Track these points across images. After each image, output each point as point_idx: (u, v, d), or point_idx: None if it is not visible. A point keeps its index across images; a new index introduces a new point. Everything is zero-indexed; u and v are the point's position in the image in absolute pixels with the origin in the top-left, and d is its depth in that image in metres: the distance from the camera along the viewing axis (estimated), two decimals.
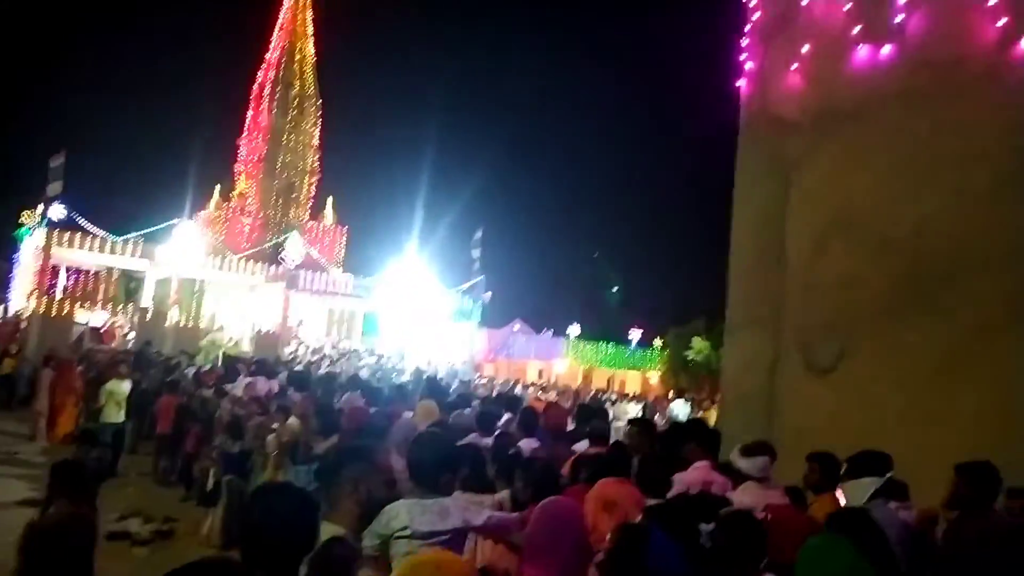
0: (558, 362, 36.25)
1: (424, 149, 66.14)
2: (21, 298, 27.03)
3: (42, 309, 21.84)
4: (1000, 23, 5.89)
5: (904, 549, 3.58)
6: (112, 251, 25.84)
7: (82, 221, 25.21)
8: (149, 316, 23.39)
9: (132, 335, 22.53)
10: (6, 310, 26.98)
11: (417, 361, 23.27)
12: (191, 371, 14.17)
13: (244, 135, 34.72)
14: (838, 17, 6.81)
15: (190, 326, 23.42)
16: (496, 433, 5.87)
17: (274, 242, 30.76)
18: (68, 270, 28.72)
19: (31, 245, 26.89)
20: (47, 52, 56.21)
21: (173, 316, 23.79)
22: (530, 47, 72.18)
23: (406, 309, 28.86)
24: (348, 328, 30.94)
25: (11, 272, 29.92)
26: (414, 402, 7.57)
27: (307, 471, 5.81)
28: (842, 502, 4.09)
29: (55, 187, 24.28)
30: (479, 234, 31.07)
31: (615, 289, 48.43)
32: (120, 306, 26.38)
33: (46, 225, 24.66)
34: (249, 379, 10.86)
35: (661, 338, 39.95)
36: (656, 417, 17.61)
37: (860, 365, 6.19)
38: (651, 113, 65.18)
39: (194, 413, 10.83)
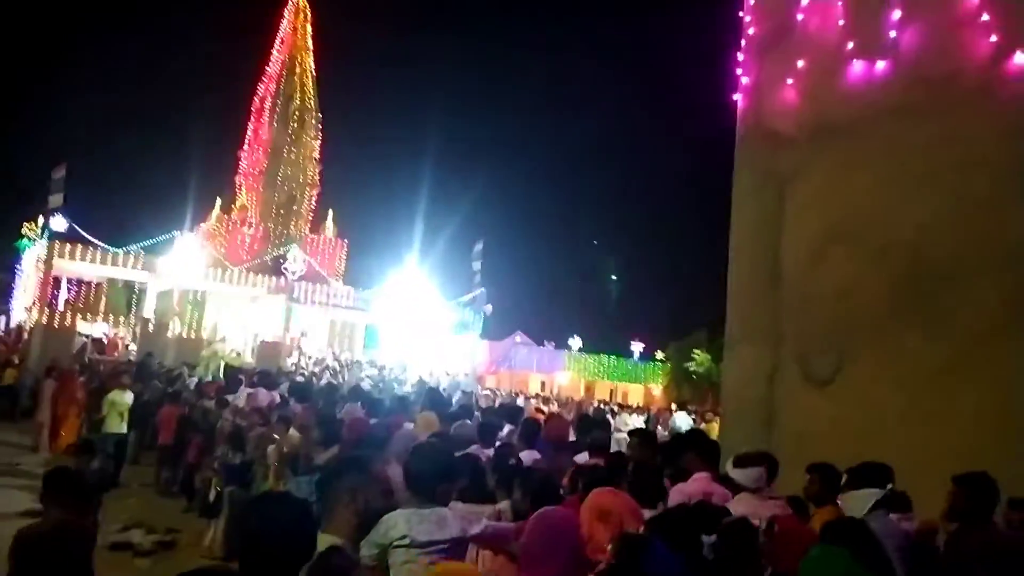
0: (560, 374, 36.27)
1: (424, 162, 66.11)
2: (23, 309, 27.11)
3: (44, 320, 21.91)
4: (992, 39, 5.95)
5: (905, 560, 3.60)
6: (113, 263, 25.93)
7: (84, 233, 25.35)
8: (151, 327, 23.45)
9: (134, 346, 22.58)
10: (8, 321, 27.05)
11: (419, 373, 23.29)
12: (193, 382, 14.22)
13: (245, 148, 34.84)
14: (833, 33, 6.88)
15: (192, 337, 23.48)
16: (497, 444, 5.91)
17: (275, 254, 30.86)
18: (70, 281, 28.82)
19: (33, 256, 26.99)
20: (49, 64, 56.54)
21: (175, 327, 23.85)
22: (531, 60, 72.48)
23: (407, 321, 28.90)
24: (349, 340, 31.00)
25: (13, 283, 30.03)
26: (415, 413, 7.60)
27: (308, 482, 5.83)
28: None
29: (57, 199, 24.38)
30: (479, 246, 31.11)
31: (616, 301, 48.47)
32: (122, 317, 26.46)
33: (48, 237, 24.75)
34: (250, 390, 10.90)
35: (663, 350, 40.00)
36: (659, 429, 17.61)
37: (860, 370, 6.22)
38: (652, 124, 65.39)
39: (196, 424, 10.88)
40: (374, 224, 56.14)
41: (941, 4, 6.37)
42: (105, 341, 23.11)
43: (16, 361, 17.91)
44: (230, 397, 10.77)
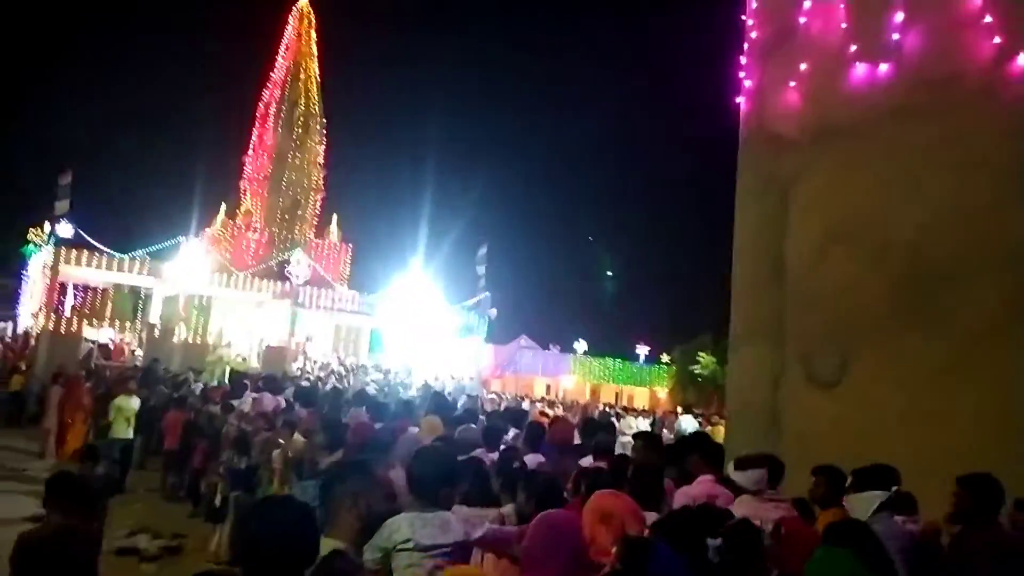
0: (565, 378, 36.24)
1: (428, 166, 66.27)
2: (29, 315, 27.21)
3: (51, 326, 22.00)
4: (995, 40, 5.95)
5: (908, 562, 3.60)
6: (119, 268, 26.04)
7: (89, 239, 25.47)
8: (157, 333, 23.53)
9: (140, 352, 22.66)
10: (15, 327, 27.16)
11: (424, 377, 23.33)
12: (198, 387, 14.27)
13: (249, 153, 34.95)
14: (835, 35, 6.88)
15: (197, 343, 23.54)
16: (501, 448, 5.92)
17: (279, 259, 30.94)
18: (76, 287, 28.92)
19: (39, 263, 27.13)
20: (56, 70, 56.80)
21: (180, 333, 23.93)
22: (534, 65, 72.67)
23: (411, 325, 28.93)
24: (354, 345, 31.04)
25: (19, 289, 30.16)
26: (420, 417, 7.60)
27: (313, 486, 5.84)
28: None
29: (62, 205, 24.51)
30: (484, 250, 31.16)
31: (621, 304, 48.44)
32: (128, 323, 26.55)
33: (54, 243, 24.87)
34: (256, 395, 10.94)
35: (668, 353, 39.94)
36: (664, 432, 17.59)
37: (861, 370, 6.22)
38: (656, 128, 65.41)
39: (201, 429, 10.91)
40: (378, 228, 56.33)
41: (943, 6, 6.37)
42: (111, 347, 23.21)
43: (23, 367, 17.97)
44: (236, 402, 10.79)
